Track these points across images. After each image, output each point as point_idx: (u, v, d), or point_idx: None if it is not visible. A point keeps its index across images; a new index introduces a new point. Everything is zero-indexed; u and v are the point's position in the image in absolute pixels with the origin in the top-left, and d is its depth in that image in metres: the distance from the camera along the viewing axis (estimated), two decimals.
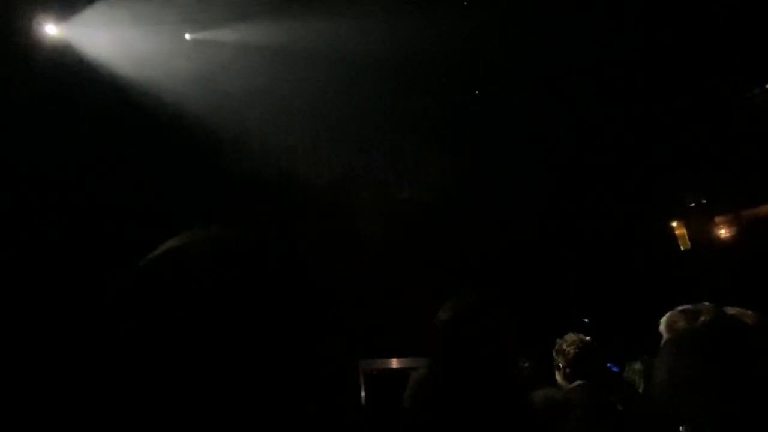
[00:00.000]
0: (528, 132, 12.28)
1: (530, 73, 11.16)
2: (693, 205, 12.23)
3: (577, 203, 11.96)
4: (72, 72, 7.77)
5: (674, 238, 12.26)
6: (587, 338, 4.68)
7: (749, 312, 2.41)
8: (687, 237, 12.17)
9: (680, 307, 2.68)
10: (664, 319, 2.66)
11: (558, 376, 4.47)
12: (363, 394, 8.60)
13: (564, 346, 4.47)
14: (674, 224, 12.33)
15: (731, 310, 2.43)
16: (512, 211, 11.87)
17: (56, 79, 7.62)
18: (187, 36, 8.90)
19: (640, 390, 4.89)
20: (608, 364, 9.21)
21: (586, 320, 11.01)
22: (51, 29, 7.69)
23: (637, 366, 5.19)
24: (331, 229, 9.87)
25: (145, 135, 8.17)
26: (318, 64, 9.79)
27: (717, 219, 11.98)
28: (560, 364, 4.43)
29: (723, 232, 11.96)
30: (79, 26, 7.87)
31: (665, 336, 2.53)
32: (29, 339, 6.21)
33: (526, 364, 5.14)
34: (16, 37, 7.33)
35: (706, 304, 2.60)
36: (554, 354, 4.57)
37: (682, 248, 12.15)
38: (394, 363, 9.11)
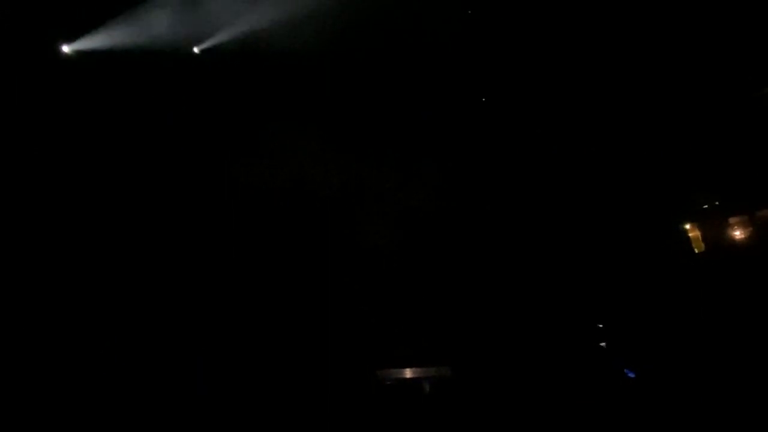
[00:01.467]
0: (540, 137, 12.26)
1: (540, 73, 11.16)
2: (706, 206, 12.08)
3: (588, 207, 11.89)
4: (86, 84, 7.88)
5: (688, 240, 12.10)
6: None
7: None
8: (701, 239, 12.02)
9: None
10: None
11: None
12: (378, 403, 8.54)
13: None
14: (688, 227, 12.18)
15: None
16: (523, 216, 11.83)
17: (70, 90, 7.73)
18: (196, 49, 8.99)
19: None
20: (624, 370, 9.12)
21: (600, 325, 10.91)
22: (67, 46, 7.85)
23: None
24: (343, 239, 9.87)
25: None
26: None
27: (731, 220, 11.82)
28: None
29: (738, 234, 11.79)
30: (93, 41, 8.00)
31: None
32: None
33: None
34: (32, 54, 7.44)
35: None
36: None
37: (696, 251, 11.99)
38: (408, 373, 9.06)
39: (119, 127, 7.93)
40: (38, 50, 7.65)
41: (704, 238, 12.00)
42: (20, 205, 7.12)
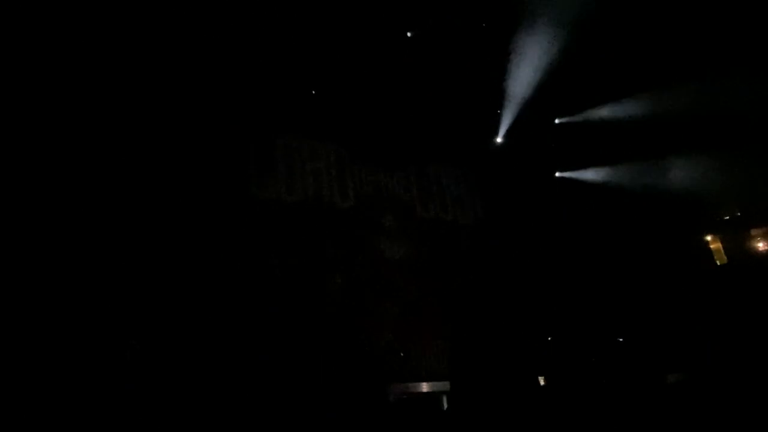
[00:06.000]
0: (558, 151, 12.24)
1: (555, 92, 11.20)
2: (728, 218, 11.90)
3: (608, 219, 11.78)
4: None
5: (709, 252, 11.92)
6: None
7: None
8: (723, 251, 11.82)
9: None
10: None
11: None
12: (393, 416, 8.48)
13: None
14: (709, 238, 12.00)
15: None
16: (543, 229, 11.75)
17: None
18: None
19: None
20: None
21: (620, 339, 10.75)
22: None
23: None
24: (357, 251, 9.86)
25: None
26: None
27: (753, 231, 11.62)
28: None
29: (760, 245, 11.57)
30: None
31: None
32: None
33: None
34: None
35: None
36: None
37: (718, 263, 11.79)
38: (424, 387, 8.98)
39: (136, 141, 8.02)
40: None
41: (726, 250, 11.81)
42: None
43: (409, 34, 9.96)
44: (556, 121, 12.02)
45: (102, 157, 7.61)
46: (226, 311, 7.95)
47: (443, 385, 8.98)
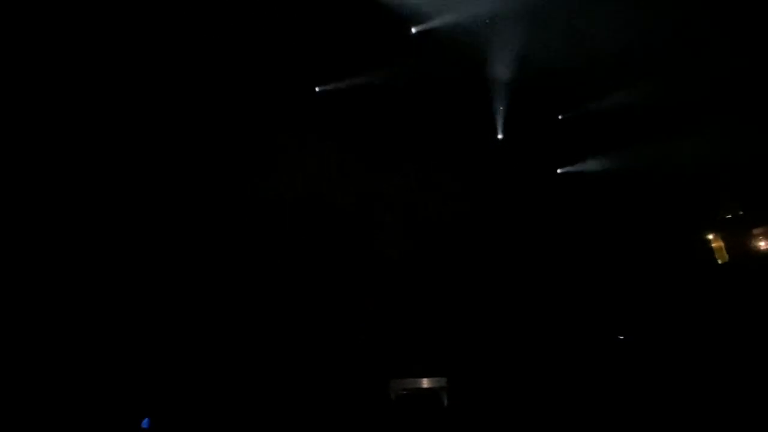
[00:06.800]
0: (558, 149, 12.22)
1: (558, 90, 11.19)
2: (729, 216, 11.88)
3: (609, 217, 11.78)
4: None
5: (710, 251, 11.90)
6: None
7: None
8: (724, 250, 11.80)
9: None
10: None
11: None
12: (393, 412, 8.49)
13: None
14: (710, 237, 11.98)
15: None
16: (544, 227, 11.75)
17: None
18: None
19: None
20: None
21: (621, 337, 10.75)
22: None
23: None
24: (358, 249, 9.87)
25: None
26: None
27: (755, 230, 11.60)
28: None
29: (761, 244, 11.56)
30: None
31: None
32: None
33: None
34: None
35: None
36: None
37: (719, 261, 11.77)
38: (425, 383, 9.00)
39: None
40: None
41: (727, 249, 11.79)
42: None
43: (413, 30, 9.98)
44: (560, 116, 12.02)
45: (102, 156, 7.63)
46: (225, 309, 7.97)
47: (443, 381, 9.00)
